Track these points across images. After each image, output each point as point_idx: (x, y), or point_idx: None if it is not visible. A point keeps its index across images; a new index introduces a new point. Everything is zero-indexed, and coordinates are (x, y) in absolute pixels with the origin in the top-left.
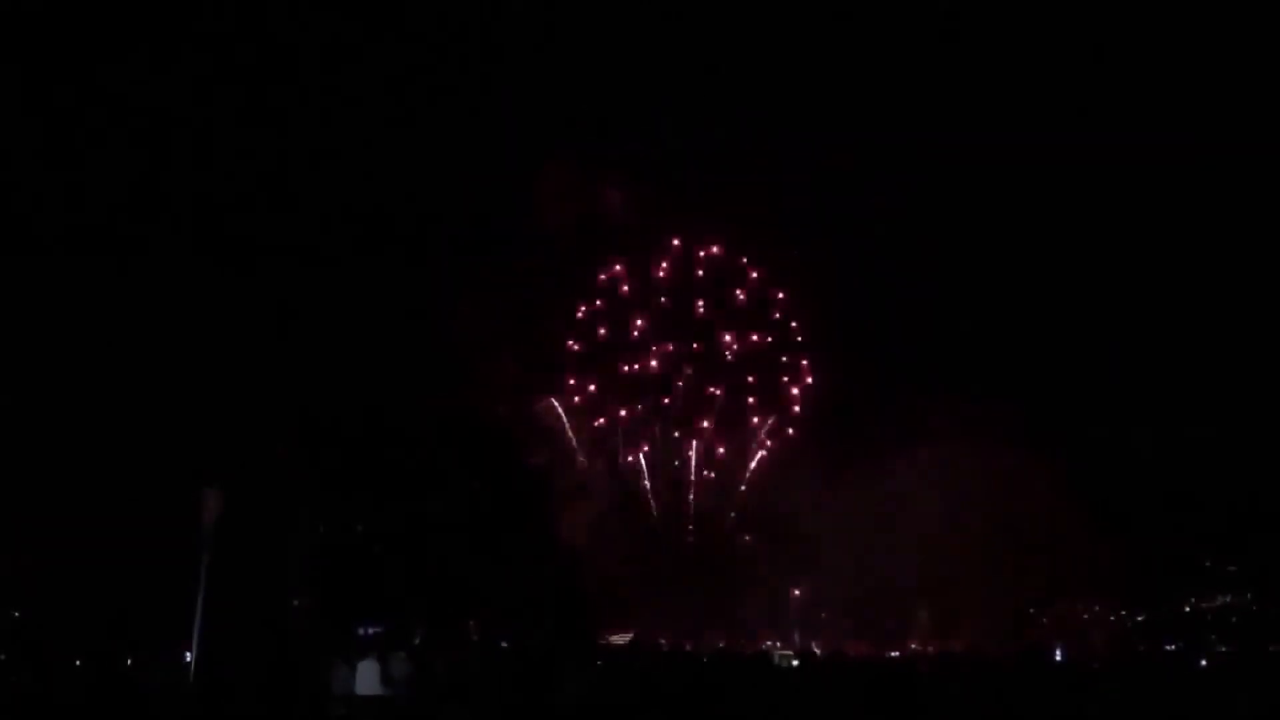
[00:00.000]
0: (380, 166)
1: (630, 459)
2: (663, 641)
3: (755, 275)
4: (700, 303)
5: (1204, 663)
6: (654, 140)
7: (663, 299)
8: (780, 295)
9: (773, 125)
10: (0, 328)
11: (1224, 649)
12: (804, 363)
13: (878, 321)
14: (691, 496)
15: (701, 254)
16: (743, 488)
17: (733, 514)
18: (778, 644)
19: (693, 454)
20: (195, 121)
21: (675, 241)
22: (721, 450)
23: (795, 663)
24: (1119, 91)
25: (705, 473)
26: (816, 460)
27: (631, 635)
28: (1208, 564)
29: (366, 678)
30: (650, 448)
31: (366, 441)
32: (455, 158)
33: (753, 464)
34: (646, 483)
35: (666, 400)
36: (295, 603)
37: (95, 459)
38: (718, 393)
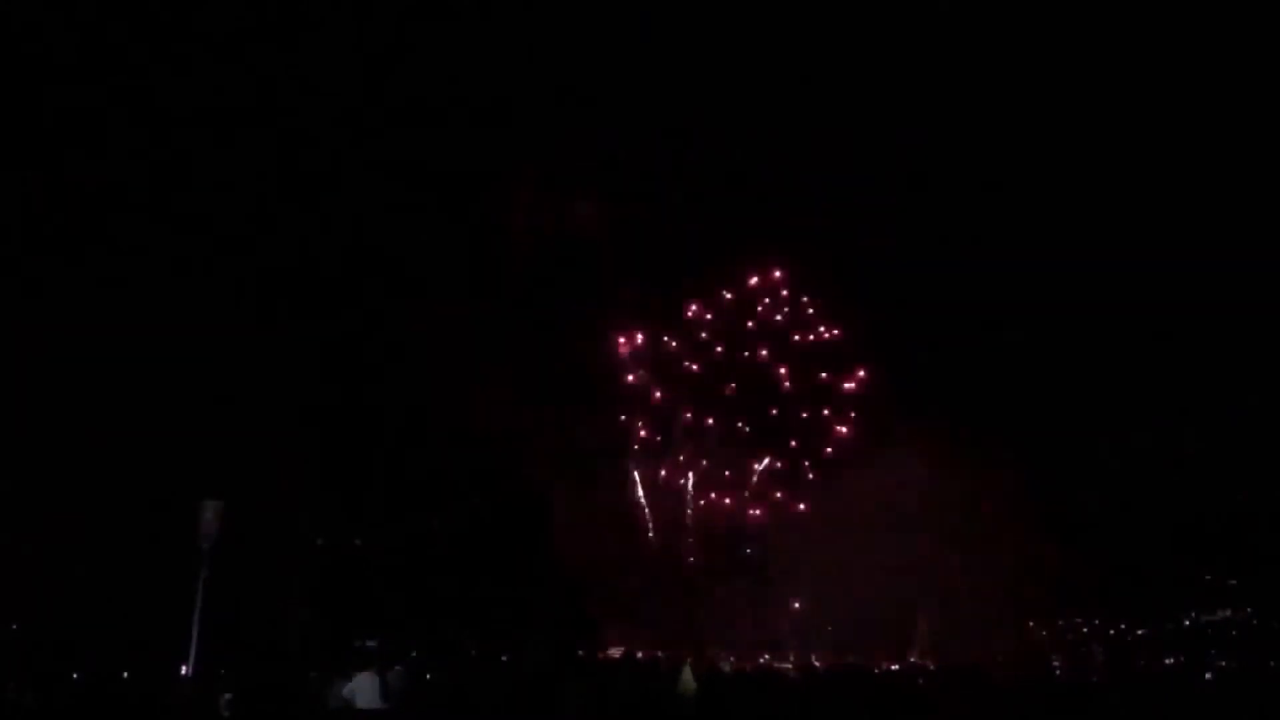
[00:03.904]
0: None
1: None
2: (661, 655)
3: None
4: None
5: (1209, 676)
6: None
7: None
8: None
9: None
10: None
11: (1224, 663)
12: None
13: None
14: (690, 511)
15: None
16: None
17: (731, 529)
18: (775, 659)
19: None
20: (196, 123)
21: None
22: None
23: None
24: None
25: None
26: (815, 473)
27: (624, 649)
28: (1208, 578)
29: (365, 691)
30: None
31: (367, 453)
32: (450, 156)
33: (754, 479)
34: (645, 497)
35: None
36: (294, 615)
37: (92, 469)
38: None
